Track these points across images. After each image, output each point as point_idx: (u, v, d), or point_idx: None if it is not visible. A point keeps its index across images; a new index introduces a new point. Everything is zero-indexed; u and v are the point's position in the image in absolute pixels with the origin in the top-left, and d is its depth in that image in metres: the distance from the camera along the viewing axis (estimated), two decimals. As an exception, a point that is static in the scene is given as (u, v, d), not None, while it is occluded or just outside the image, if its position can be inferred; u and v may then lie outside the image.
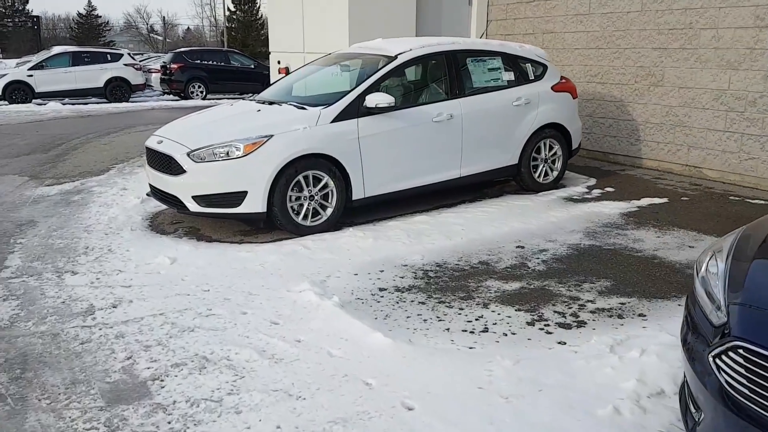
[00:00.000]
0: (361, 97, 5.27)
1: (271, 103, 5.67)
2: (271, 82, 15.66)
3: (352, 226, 5.29)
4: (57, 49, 19.29)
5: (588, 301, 3.76)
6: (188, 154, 4.93)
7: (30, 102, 16.99)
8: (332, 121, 5.16)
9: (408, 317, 3.51)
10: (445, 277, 4.14)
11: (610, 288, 3.98)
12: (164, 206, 5.56)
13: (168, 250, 4.62)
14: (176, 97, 19.86)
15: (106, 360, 2.99)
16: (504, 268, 4.30)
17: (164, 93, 20.48)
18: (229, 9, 56.68)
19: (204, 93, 19.84)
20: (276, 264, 4.38)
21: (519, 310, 3.62)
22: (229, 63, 21.14)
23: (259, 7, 61.38)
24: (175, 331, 3.31)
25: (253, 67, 21.61)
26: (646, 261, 4.48)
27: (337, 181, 5.17)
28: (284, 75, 9.94)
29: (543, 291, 3.90)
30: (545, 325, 3.41)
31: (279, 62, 10.45)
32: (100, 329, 3.33)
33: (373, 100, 5.21)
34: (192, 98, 19.55)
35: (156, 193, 5.41)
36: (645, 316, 3.58)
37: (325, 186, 5.14)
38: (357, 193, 5.31)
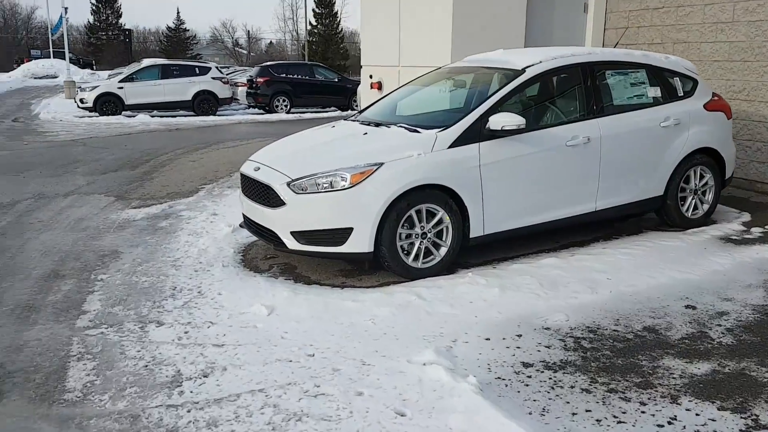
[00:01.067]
0: (484, 117, 4.50)
1: (378, 125, 4.98)
2: (359, 96, 15.08)
3: (468, 269, 4.52)
4: (147, 62, 19.63)
5: (814, 397, 2.81)
6: (289, 184, 4.31)
7: (120, 114, 17.25)
8: (450, 146, 4.42)
9: (574, 414, 2.68)
10: (606, 350, 3.27)
11: (834, 376, 3.00)
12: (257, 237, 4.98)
13: (264, 296, 4.00)
14: (262, 111, 19.80)
15: (195, 465, 2.34)
16: (680, 340, 3.39)
17: (250, 107, 20.48)
18: (310, 23, 57.69)
19: (288, 107, 19.69)
20: (388, 320, 3.65)
21: (723, 408, 2.71)
22: (313, 76, 20.95)
23: (339, 21, 62.21)
24: (279, 420, 2.62)
25: (336, 80, 21.33)
26: None
27: (454, 216, 4.41)
28: (377, 90, 9.38)
29: (743, 377, 2.97)
30: (772, 439, 2.50)
31: (371, 76, 9.83)
32: (189, 411, 2.69)
33: (499, 121, 4.43)
34: (277, 112, 19.43)
35: (250, 224, 4.83)
36: None
37: (440, 222, 4.40)
38: (475, 230, 4.53)
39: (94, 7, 62.43)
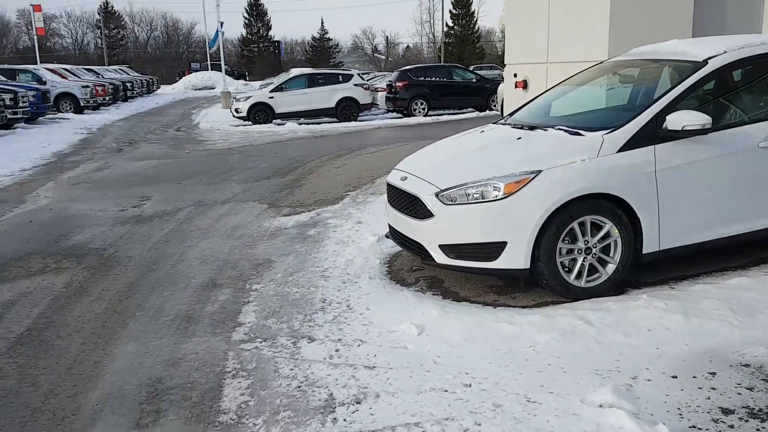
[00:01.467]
0: (660, 116, 3.97)
1: (532, 128, 4.60)
2: (498, 96, 14.39)
3: (640, 290, 4.02)
4: (295, 72, 20.52)
5: None
6: (437, 195, 4.07)
7: (270, 122, 18.15)
8: (619, 150, 3.94)
9: (802, 485, 2.17)
10: (830, 399, 2.68)
11: None
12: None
13: (413, 313, 3.80)
14: (400, 115, 19.92)
15: None
16: None
17: (389, 111, 20.70)
18: (447, 24, 57.74)
19: (426, 110, 19.63)
20: (552, 348, 3.28)
21: None
22: (451, 78, 20.73)
23: (476, 21, 61.74)
24: (438, 461, 2.39)
25: (474, 81, 20.95)
26: None
27: (624, 230, 3.93)
28: (522, 89, 8.91)
29: None
30: None
31: (515, 75, 9.36)
32: (342, 443, 2.54)
33: (679, 120, 3.88)
34: (414, 115, 19.45)
35: (396, 236, 4.67)
36: None
37: (607, 235, 3.94)
38: (649, 245, 4.01)
39: (246, 21, 67.21)
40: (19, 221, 6.76)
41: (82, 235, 6.11)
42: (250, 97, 18.87)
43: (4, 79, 19.11)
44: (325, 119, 18.81)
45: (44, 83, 21.27)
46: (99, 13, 67.20)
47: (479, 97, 20.48)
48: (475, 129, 5.25)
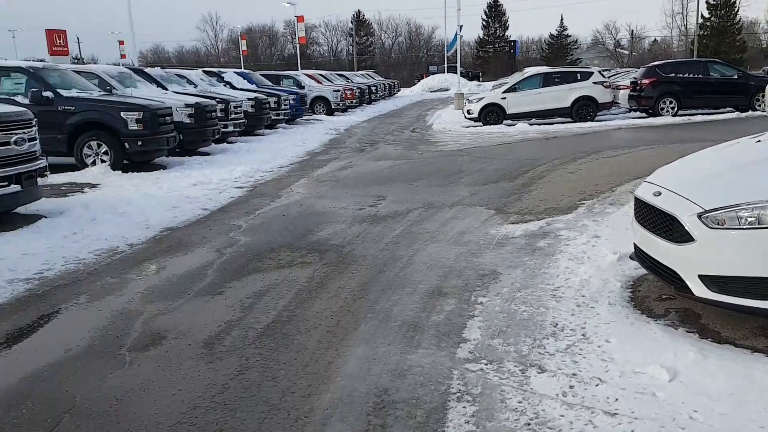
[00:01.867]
0: None
1: (832, 139, 3.73)
2: (767, 95, 12.25)
3: None
4: (530, 71, 20.02)
5: None
6: (700, 216, 3.49)
7: (500, 123, 17.95)
8: None
9: None
10: None
11: None
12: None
13: (663, 353, 3.30)
14: (643, 115, 18.31)
15: None
16: None
17: (631, 110, 19.15)
18: (702, 16, 51.89)
19: (675, 109, 17.74)
20: None
21: None
22: (707, 74, 18.43)
23: (737, 11, 54.59)
24: None
25: (736, 77, 18.36)
26: None
27: None
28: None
29: None
30: None
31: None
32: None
33: None
34: (661, 115, 17.70)
35: (643, 258, 4.13)
36: None
37: None
38: None
39: (484, 22, 67.96)
40: (274, 215, 7.50)
41: (325, 231, 6.55)
42: (482, 98, 18.88)
43: (270, 84, 21.78)
44: (558, 119, 18.03)
45: (302, 87, 23.85)
46: (352, 22, 73.44)
47: (741, 95, 17.99)
48: (748, 137, 4.44)
